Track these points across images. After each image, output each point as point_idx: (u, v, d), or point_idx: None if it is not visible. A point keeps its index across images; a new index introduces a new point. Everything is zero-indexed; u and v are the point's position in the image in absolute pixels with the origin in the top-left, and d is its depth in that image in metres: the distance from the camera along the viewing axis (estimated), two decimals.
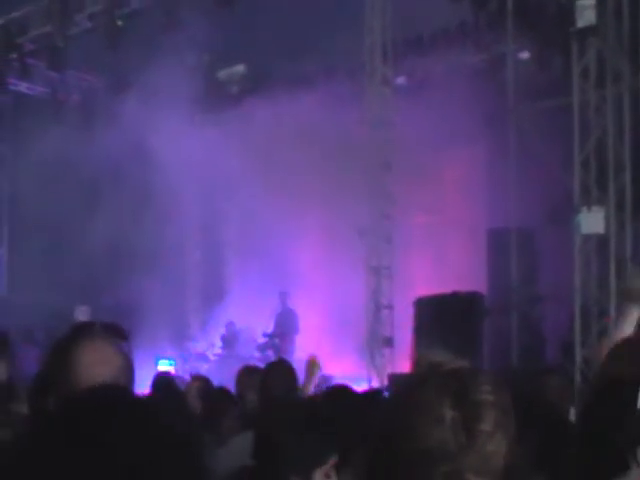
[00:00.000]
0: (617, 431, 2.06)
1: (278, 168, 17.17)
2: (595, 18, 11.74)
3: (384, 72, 14.64)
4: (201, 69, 18.25)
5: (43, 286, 17.11)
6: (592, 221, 11.91)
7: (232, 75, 19.64)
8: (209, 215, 20.16)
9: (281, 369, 6.22)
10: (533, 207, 13.49)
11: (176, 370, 16.46)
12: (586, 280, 12.12)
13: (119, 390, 1.76)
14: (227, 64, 19.43)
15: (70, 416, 1.39)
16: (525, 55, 15.02)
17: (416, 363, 1.63)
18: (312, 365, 6.38)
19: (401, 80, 16.48)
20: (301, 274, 17.19)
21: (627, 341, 2.48)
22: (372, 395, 6.86)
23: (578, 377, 11.84)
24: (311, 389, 6.28)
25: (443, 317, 13.72)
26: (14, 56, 18.47)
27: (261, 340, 17.67)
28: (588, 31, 11.91)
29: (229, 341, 18.19)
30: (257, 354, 17.04)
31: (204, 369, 16.30)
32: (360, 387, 14.03)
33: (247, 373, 7.35)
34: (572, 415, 6.97)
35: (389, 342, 14.21)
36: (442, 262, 15.14)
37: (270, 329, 17.58)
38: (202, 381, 7.23)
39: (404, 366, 14.48)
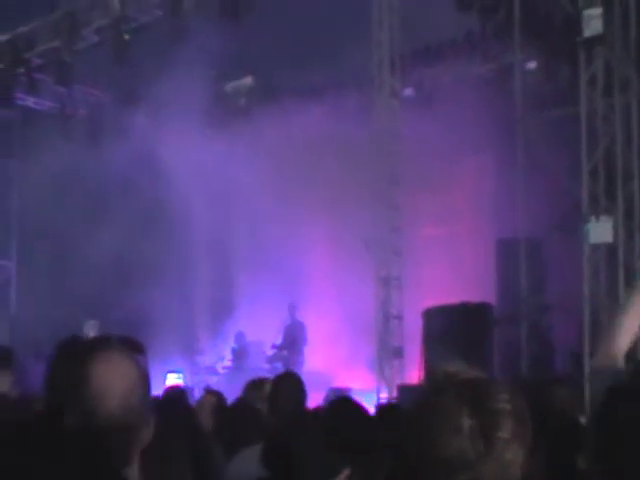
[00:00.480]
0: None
1: (286, 180, 17.18)
2: (602, 27, 11.73)
3: (392, 84, 14.65)
4: (209, 82, 18.28)
5: (51, 300, 17.13)
6: (600, 230, 11.88)
7: (240, 87, 19.67)
8: (218, 228, 20.16)
9: (290, 381, 6.21)
10: (541, 217, 13.48)
11: (185, 383, 16.45)
12: (595, 289, 12.09)
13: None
14: (235, 77, 19.47)
15: None
16: (532, 65, 15.03)
17: (432, 374, 1.63)
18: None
19: (409, 91, 16.49)
20: (310, 286, 17.20)
21: None
22: (387, 410, 6.87)
23: (588, 387, 11.79)
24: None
25: (452, 327, 13.70)
26: (21, 71, 18.54)
27: (270, 352, 17.67)
28: (595, 40, 11.91)
29: (239, 354, 18.19)
30: (266, 366, 17.04)
31: (213, 382, 16.30)
32: (369, 398, 14.10)
33: (254, 386, 7.35)
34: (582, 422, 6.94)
35: (399, 353, 14.19)
36: (451, 272, 15.12)
37: (279, 341, 17.58)
38: (216, 396, 7.18)
39: (413, 377, 14.46)
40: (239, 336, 18.35)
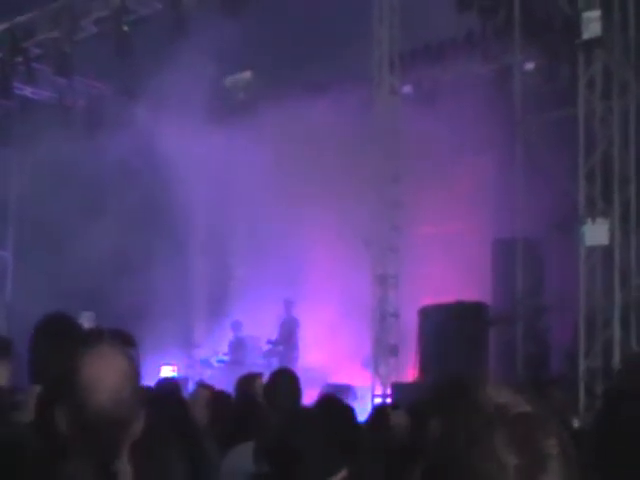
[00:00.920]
0: None
1: (286, 177, 17.17)
2: (601, 30, 11.74)
3: (392, 82, 14.65)
4: (209, 76, 18.26)
5: (48, 291, 17.09)
6: (596, 233, 11.90)
7: (238, 82, 19.64)
8: (216, 222, 20.16)
9: (286, 378, 6.20)
10: (539, 217, 13.49)
11: (179, 376, 16.45)
12: (591, 291, 12.11)
13: None
14: (235, 71, 19.43)
15: None
16: (532, 66, 15.02)
17: (482, 403, 1.61)
18: None
19: (408, 89, 16.49)
20: (308, 281, 17.20)
21: None
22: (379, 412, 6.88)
23: (582, 388, 11.83)
24: None
25: (447, 326, 13.72)
26: (20, 60, 18.48)
27: (265, 347, 17.67)
28: (594, 43, 11.92)
29: (235, 348, 18.16)
30: (261, 361, 17.04)
31: (208, 375, 16.31)
32: (364, 395, 14.10)
33: (245, 381, 7.36)
34: (575, 425, 6.95)
35: (394, 351, 14.20)
36: (449, 271, 15.12)
37: (274, 337, 17.58)
38: (209, 390, 7.19)
39: (408, 375, 14.48)
40: (236, 325, 18.30)
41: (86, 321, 16.70)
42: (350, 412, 3.66)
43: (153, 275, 17.80)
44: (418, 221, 15.48)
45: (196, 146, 17.86)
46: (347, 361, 16.12)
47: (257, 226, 18.54)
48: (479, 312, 14.28)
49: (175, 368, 17.72)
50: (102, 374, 2.38)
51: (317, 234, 16.80)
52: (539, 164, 13.33)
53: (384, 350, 14.14)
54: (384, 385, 13.95)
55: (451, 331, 13.71)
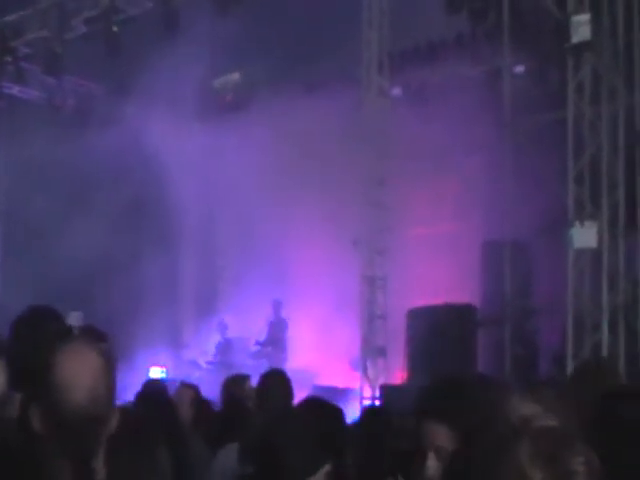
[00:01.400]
0: None
1: (274, 178, 17.15)
2: (590, 34, 11.74)
3: (381, 83, 14.65)
4: (198, 76, 18.23)
5: (35, 290, 17.03)
6: (585, 235, 11.91)
7: (227, 83, 19.62)
8: (205, 222, 20.14)
9: (277, 379, 6.18)
10: (528, 220, 13.50)
11: (168, 377, 16.41)
12: (579, 294, 12.12)
13: None
14: (225, 71, 19.42)
15: None
16: (521, 69, 15.03)
17: (507, 415, 1.59)
18: None
19: (397, 91, 16.49)
20: (296, 283, 17.18)
21: None
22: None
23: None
24: None
25: (435, 328, 13.70)
26: (8, 59, 18.42)
27: (254, 349, 17.65)
28: (583, 47, 11.91)
29: (223, 349, 18.14)
30: (250, 362, 17.01)
31: (196, 376, 16.27)
32: (352, 397, 14.06)
33: (233, 382, 7.34)
34: None
35: (382, 352, 14.19)
36: (437, 273, 15.12)
37: (263, 338, 17.56)
38: (193, 389, 7.18)
39: (396, 377, 14.45)
40: (221, 325, 18.29)
41: (74, 321, 16.64)
42: (336, 411, 3.64)
43: (142, 275, 17.76)
44: (407, 222, 15.47)
45: (185, 146, 17.85)
46: (336, 362, 16.10)
47: (246, 226, 18.51)
48: (468, 314, 14.27)
49: (164, 369, 17.69)
50: (77, 372, 2.36)
51: (306, 235, 16.78)
52: (528, 166, 13.35)
53: (372, 352, 14.13)
54: (373, 387, 13.94)
55: (439, 333, 13.70)
